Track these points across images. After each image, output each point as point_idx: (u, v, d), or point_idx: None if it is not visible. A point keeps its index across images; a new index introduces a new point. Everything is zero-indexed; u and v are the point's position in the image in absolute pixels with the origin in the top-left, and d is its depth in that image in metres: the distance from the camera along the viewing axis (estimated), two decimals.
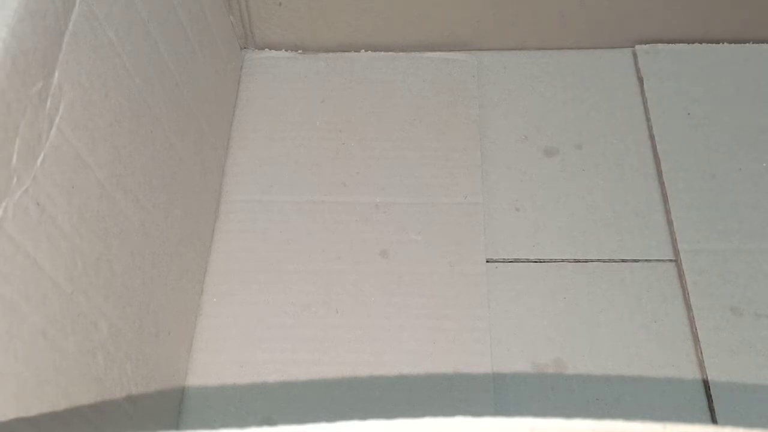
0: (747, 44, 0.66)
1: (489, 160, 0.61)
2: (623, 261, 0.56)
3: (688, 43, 0.67)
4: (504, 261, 0.57)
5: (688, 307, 0.54)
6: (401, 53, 0.67)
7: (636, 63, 0.66)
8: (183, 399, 0.51)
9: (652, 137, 0.62)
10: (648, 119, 0.63)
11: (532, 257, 0.57)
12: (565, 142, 0.62)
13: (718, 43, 0.67)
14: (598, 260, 0.57)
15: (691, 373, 0.52)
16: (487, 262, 0.57)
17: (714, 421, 0.50)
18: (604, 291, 0.55)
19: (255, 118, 0.64)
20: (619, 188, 0.60)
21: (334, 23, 0.66)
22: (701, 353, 0.52)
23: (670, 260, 0.56)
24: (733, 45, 0.66)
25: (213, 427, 0.21)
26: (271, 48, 0.68)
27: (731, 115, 0.63)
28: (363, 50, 0.68)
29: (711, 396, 0.50)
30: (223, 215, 0.59)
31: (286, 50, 0.68)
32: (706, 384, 0.51)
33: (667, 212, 0.58)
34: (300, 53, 0.68)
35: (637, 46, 0.67)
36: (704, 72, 0.65)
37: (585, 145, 0.62)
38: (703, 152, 0.61)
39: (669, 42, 0.67)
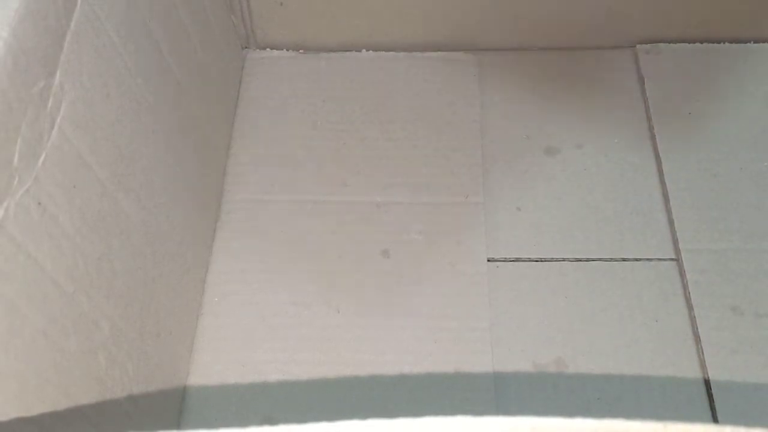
0: (748, 44, 0.66)
1: (490, 160, 0.61)
2: (624, 260, 0.56)
3: (689, 43, 0.67)
4: (505, 260, 0.57)
5: (689, 307, 0.54)
6: (402, 53, 0.67)
7: (637, 62, 0.66)
8: (184, 398, 0.51)
9: (653, 137, 0.62)
10: (649, 119, 0.63)
11: (533, 256, 0.57)
12: (566, 141, 0.62)
13: (719, 43, 0.67)
14: (599, 259, 0.57)
15: (692, 372, 0.52)
16: (488, 261, 0.57)
17: (715, 420, 0.50)
18: (605, 290, 0.55)
19: (256, 118, 0.64)
20: (620, 187, 0.60)
21: (336, 23, 0.66)
22: (702, 352, 0.52)
23: (672, 259, 0.56)
24: (734, 45, 0.66)
25: (214, 427, 0.21)
26: (272, 47, 0.68)
27: (732, 115, 0.63)
28: (364, 50, 0.68)
29: (712, 395, 0.50)
30: (225, 215, 0.59)
31: (287, 50, 0.68)
32: (707, 383, 0.51)
33: (668, 211, 0.58)
34: (301, 53, 0.68)
35: (639, 46, 0.67)
36: (705, 72, 0.65)
37: (586, 144, 0.62)
38: (704, 152, 0.61)
39: (670, 42, 0.67)
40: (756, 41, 0.66)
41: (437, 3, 0.64)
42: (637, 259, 0.56)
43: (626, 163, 0.61)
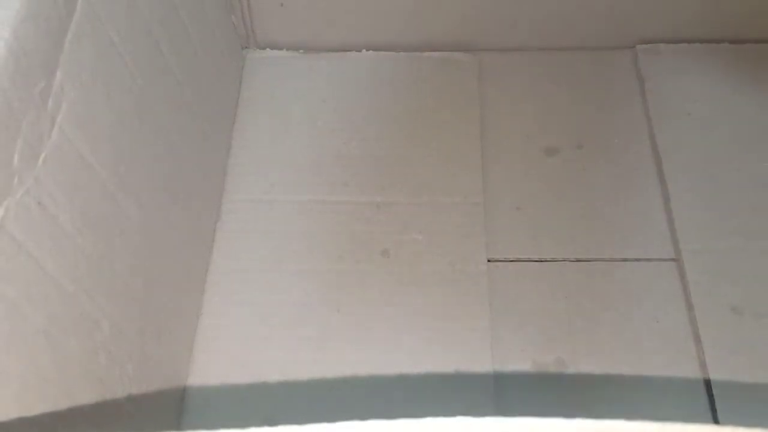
0: (747, 44, 0.66)
1: (490, 160, 0.61)
2: (624, 260, 0.56)
3: (689, 43, 0.67)
4: (505, 260, 0.57)
5: (690, 307, 0.54)
6: (403, 53, 0.67)
7: (637, 63, 0.66)
8: (184, 399, 0.51)
9: (652, 137, 0.62)
10: (649, 119, 0.63)
11: (533, 257, 0.57)
12: (566, 141, 0.62)
13: (719, 43, 0.67)
14: (599, 259, 0.57)
15: (693, 372, 0.52)
16: (488, 261, 0.57)
17: (715, 420, 0.50)
18: (605, 290, 0.55)
19: (256, 118, 0.64)
20: (620, 188, 0.60)
21: (336, 23, 0.66)
22: (702, 352, 0.52)
23: (672, 259, 0.56)
24: (733, 45, 0.66)
25: (214, 427, 0.21)
26: (272, 47, 0.68)
27: (732, 115, 0.63)
28: (364, 50, 0.68)
29: (712, 395, 0.50)
30: (225, 215, 0.59)
31: (287, 50, 0.68)
32: (707, 383, 0.51)
33: (668, 212, 0.58)
34: (301, 53, 0.68)
35: (638, 46, 0.67)
36: (705, 72, 0.65)
37: (586, 144, 0.62)
38: (703, 152, 0.61)
39: (670, 42, 0.67)
40: (756, 41, 0.66)
41: (437, 3, 0.64)
42: (637, 260, 0.56)
43: (626, 163, 0.61)
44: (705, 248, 0.56)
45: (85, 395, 0.37)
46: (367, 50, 0.68)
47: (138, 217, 0.43)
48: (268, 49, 0.68)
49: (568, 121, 0.64)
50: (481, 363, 0.52)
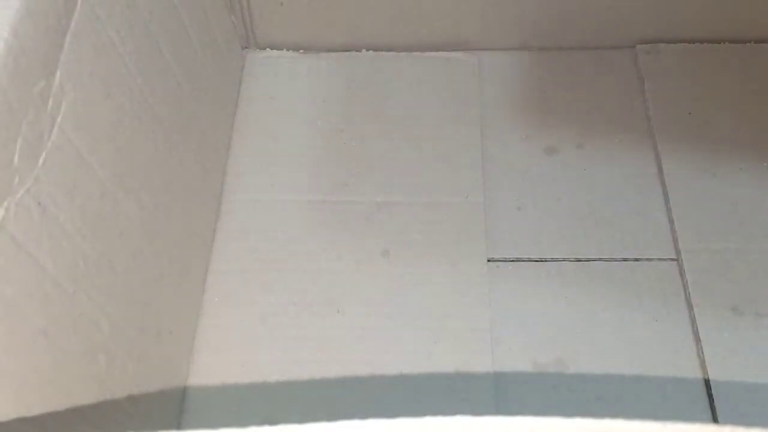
0: (748, 44, 0.66)
1: (490, 160, 0.61)
2: (624, 260, 0.56)
3: (690, 43, 0.67)
4: (505, 260, 0.57)
5: (690, 307, 0.54)
6: (403, 53, 0.67)
7: (637, 62, 0.66)
8: (184, 399, 0.51)
9: (653, 136, 0.62)
10: (649, 118, 0.63)
11: (533, 256, 0.57)
12: (566, 141, 0.62)
13: (719, 43, 0.67)
14: (600, 259, 0.57)
15: (692, 372, 0.52)
16: (489, 261, 0.57)
17: (715, 420, 0.50)
18: (606, 290, 0.55)
19: (256, 118, 0.64)
20: (620, 187, 0.60)
21: (336, 23, 0.66)
22: (702, 352, 0.52)
23: (672, 259, 0.56)
24: (734, 45, 0.66)
25: (214, 427, 0.21)
26: (272, 47, 0.68)
27: (732, 115, 0.63)
28: (364, 50, 0.68)
29: (712, 395, 0.50)
30: (225, 215, 0.59)
31: (287, 50, 0.68)
32: (707, 383, 0.51)
33: (668, 211, 0.58)
34: (301, 53, 0.68)
35: (639, 46, 0.67)
36: (705, 72, 0.65)
37: (586, 144, 0.62)
38: (703, 152, 0.61)
39: (670, 42, 0.67)
40: (756, 41, 0.66)
41: (437, 3, 0.64)
42: (637, 259, 0.56)
43: (626, 163, 0.61)
44: (705, 248, 0.56)
45: (84, 395, 0.37)
46: (367, 50, 0.68)
47: (137, 216, 0.43)
48: (268, 49, 0.68)
49: (568, 120, 0.64)
50: (481, 363, 0.52)
